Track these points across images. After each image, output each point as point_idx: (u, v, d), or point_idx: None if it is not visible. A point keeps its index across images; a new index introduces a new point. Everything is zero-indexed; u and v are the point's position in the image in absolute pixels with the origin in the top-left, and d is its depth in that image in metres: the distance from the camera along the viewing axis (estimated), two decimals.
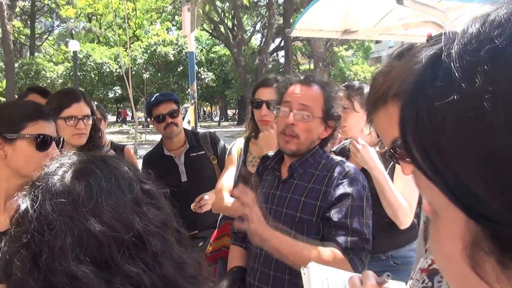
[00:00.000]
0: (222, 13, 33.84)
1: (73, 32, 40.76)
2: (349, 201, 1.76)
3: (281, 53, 37.73)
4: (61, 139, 1.83)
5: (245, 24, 37.37)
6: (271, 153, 2.19)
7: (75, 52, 20.98)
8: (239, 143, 2.74)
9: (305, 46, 36.60)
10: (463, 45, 0.38)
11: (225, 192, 2.53)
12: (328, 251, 1.68)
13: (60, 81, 30.33)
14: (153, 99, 3.22)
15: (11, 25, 21.81)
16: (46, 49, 41.79)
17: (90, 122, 2.41)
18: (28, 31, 35.96)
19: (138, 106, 35.53)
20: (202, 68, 34.57)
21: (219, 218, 2.80)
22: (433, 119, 0.38)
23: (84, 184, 0.81)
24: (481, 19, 0.38)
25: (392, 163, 2.26)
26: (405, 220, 2.22)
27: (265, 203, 1.94)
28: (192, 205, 2.92)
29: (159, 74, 31.29)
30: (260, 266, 1.89)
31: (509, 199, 0.34)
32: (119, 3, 20.74)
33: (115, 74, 31.27)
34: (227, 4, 33.99)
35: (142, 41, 33.77)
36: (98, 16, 37.63)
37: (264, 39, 33.40)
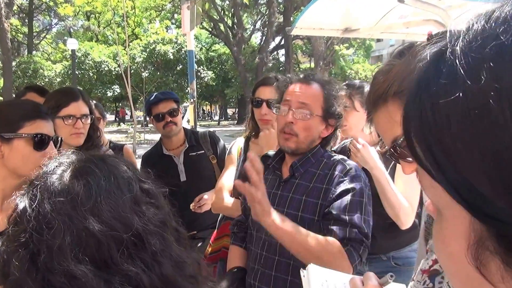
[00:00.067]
0: (222, 11, 33.84)
1: (71, 30, 40.81)
2: (349, 197, 1.76)
3: (282, 51, 37.73)
4: (59, 138, 1.83)
5: (245, 22, 37.36)
6: (271, 152, 2.19)
7: (73, 51, 20.96)
8: (239, 142, 2.73)
9: (306, 44, 36.59)
10: (468, 42, 0.38)
11: (225, 192, 2.53)
12: (327, 240, 1.68)
13: (58, 79, 30.34)
14: (152, 97, 3.22)
15: (8, 23, 21.80)
16: (44, 48, 41.78)
17: (89, 121, 2.40)
18: (25, 29, 35.96)
19: (137, 105, 35.52)
20: (201, 67, 34.56)
21: (219, 219, 2.79)
22: (437, 117, 0.38)
23: (83, 183, 0.81)
24: (485, 16, 0.38)
25: (393, 162, 2.26)
26: (406, 221, 2.22)
27: None
28: (191, 205, 2.92)
29: (158, 73, 31.29)
30: (261, 266, 1.88)
31: None
32: (118, 1, 20.73)
33: (113, 73, 31.26)
34: (227, 2, 34.03)
35: (141, 40, 33.79)
36: (97, 14, 37.65)
37: (264, 38, 33.40)
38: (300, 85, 1.93)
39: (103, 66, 31.05)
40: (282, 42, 34.58)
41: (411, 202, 2.22)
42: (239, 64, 29.58)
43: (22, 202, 0.80)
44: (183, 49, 30.44)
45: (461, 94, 0.36)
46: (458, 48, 0.38)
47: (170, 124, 3.09)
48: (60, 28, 43.11)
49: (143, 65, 30.64)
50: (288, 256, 1.81)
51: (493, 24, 0.37)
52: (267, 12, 31.04)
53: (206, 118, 56.69)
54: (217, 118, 52.96)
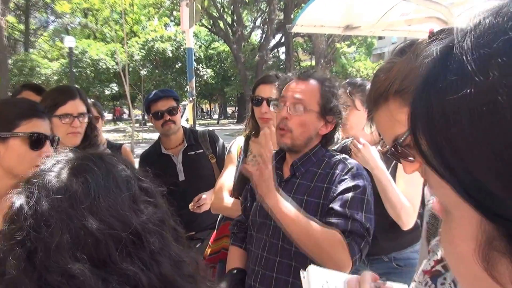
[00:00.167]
0: (222, 9, 33.83)
1: (69, 27, 40.75)
2: (351, 194, 1.76)
3: (282, 49, 37.80)
4: (56, 137, 1.83)
5: (245, 19, 37.32)
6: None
7: (70, 48, 20.92)
8: (239, 141, 2.73)
9: (306, 42, 36.58)
10: (476, 38, 0.37)
11: (225, 191, 2.53)
12: (329, 229, 1.68)
13: (55, 78, 30.37)
14: (152, 95, 3.22)
15: (5, 21, 21.79)
16: (41, 45, 41.77)
17: (86, 120, 2.40)
18: (22, 26, 35.96)
19: (135, 104, 35.56)
20: (200, 65, 34.60)
21: (218, 219, 2.79)
22: (445, 114, 0.37)
23: (81, 181, 0.81)
24: (494, 12, 0.38)
25: (394, 162, 2.26)
26: (408, 221, 2.22)
27: None
28: (190, 205, 2.91)
29: (157, 71, 31.30)
30: (262, 268, 1.88)
31: None
32: None
33: (111, 71, 31.27)
34: None
35: (139, 37, 33.76)
36: (94, 11, 37.58)
37: (264, 35, 33.37)
38: (297, 81, 1.94)
39: (100, 64, 31.05)
40: (283, 40, 34.59)
41: (412, 202, 2.22)
42: (238, 62, 29.56)
43: (19, 200, 0.80)
44: (182, 47, 30.48)
45: (469, 91, 0.35)
46: (466, 44, 0.38)
47: (168, 122, 3.09)
48: (57, 26, 43.10)
49: (141, 63, 30.66)
50: (289, 257, 1.81)
51: (501, 20, 0.37)
52: (267, 9, 31.04)
53: (206, 117, 56.67)
54: (216, 116, 52.93)
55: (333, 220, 1.72)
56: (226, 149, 3.00)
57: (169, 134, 3.16)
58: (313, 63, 31.16)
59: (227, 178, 2.60)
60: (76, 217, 0.76)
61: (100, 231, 0.76)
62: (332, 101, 1.90)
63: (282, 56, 38.81)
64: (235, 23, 33.30)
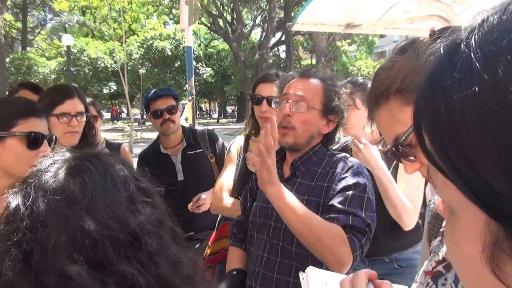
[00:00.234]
0: (221, 6, 33.82)
1: (67, 26, 40.73)
2: (351, 192, 1.76)
3: (282, 47, 37.78)
4: (53, 137, 1.83)
5: (245, 17, 37.33)
6: None
7: (68, 47, 20.92)
8: (239, 141, 2.73)
9: (307, 40, 36.57)
10: (483, 35, 0.37)
11: (225, 191, 2.53)
12: (330, 223, 1.67)
13: (52, 76, 30.38)
14: (151, 93, 3.23)
15: (2, 19, 21.78)
16: (39, 44, 41.79)
17: (84, 119, 2.40)
18: (19, 24, 35.94)
19: (134, 103, 35.55)
20: (200, 64, 34.59)
21: (218, 219, 2.79)
22: (451, 112, 0.37)
23: (78, 181, 0.81)
24: (501, 8, 0.37)
25: (395, 162, 2.26)
26: (409, 221, 2.22)
27: (267, 203, 1.94)
28: (189, 205, 2.92)
29: (156, 70, 31.32)
30: (262, 269, 1.87)
31: None
32: None
33: (110, 70, 31.30)
34: None
35: (138, 36, 33.80)
36: (93, 9, 37.55)
37: (264, 33, 33.39)
38: (299, 79, 1.94)
39: (99, 62, 31.08)
40: (283, 38, 34.55)
41: (414, 202, 2.22)
42: (238, 61, 29.57)
43: (15, 200, 0.80)
44: (181, 45, 30.50)
45: (477, 88, 0.35)
46: (473, 41, 0.37)
47: (167, 121, 3.09)
48: (55, 24, 43.09)
49: (140, 61, 30.67)
50: (290, 258, 1.80)
51: (510, 16, 0.36)
52: (267, 7, 31.04)
53: (205, 116, 56.65)
54: (216, 116, 52.93)
55: (334, 215, 1.71)
56: (226, 148, 3.00)
57: (167, 133, 3.16)
58: (314, 61, 31.16)
59: (226, 178, 2.59)
60: (73, 218, 0.76)
61: (97, 232, 0.75)
62: (335, 100, 1.90)
63: (282, 55, 38.80)
64: (235, 21, 33.31)
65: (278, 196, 1.66)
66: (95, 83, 32.32)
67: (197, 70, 32.34)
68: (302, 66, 31.78)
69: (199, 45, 39.42)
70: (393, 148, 1.03)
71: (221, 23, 31.89)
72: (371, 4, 4.14)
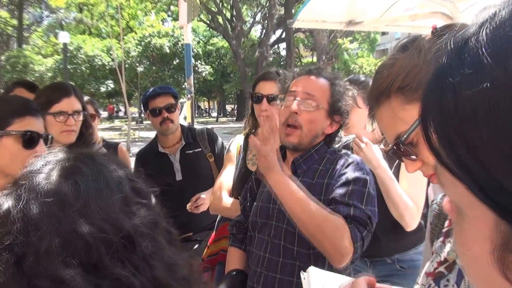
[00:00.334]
0: (220, 3, 33.80)
1: (63, 23, 40.75)
2: (351, 187, 1.76)
3: (283, 45, 37.74)
4: (49, 136, 1.83)
5: (245, 14, 37.32)
6: None
7: (65, 44, 20.92)
8: (239, 140, 2.73)
9: (308, 38, 36.56)
10: (494, 29, 0.36)
11: (224, 191, 2.53)
12: (332, 212, 1.67)
13: (49, 74, 30.34)
14: (150, 91, 3.23)
15: None
16: (35, 41, 41.79)
17: (81, 118, 2.40)
18: (15, 21, 35.91)
19: (132, 101, 35.52)
20: (199, 61, 34.58)
21: (217, 220, 2.79)
22: (461, 110, 0.36)
23: (71, 183, 0.80)
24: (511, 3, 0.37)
25: (397, 161, 2.26)
26: (411, 222, 2.22)
27: (268, 203, 1.94)
28: (188, 205, 2.92)
29: (154, 68, 31.30)
30: (264, 269, 1.87)
31: None
32: None
33: (107, 68, 31.25)
34: None
35: (136, 33, 33.75)
36: (90, 6, 37.44)
37: (264, 31, 33.37)
38: (308, 76, 1.94)
39: (96, 60, 31.04)
40: (283, 36, 34.56)
41: (416, 202, 2.22)
42: (238, 59, 29.57)
43: (6, 203, 0.79)
44: (179, 43, 30.46)
45: (488, 85, 0.34)
46: (482, 36, 0.37)
47: (166, 121, 3.09)
48: (51, 21, 43.12)
49: (138, 59, 30.63)
50: (292, 257, 1.81)
51: None
52: (267, 4, 31.03)
53: (204, 115, 56.66)
54: (215, 114, 52.94)
55: (335, 206, 1.71)
56: (225, 148, 3.01)
57: (167, 134, 3.16)
58: (315, 59, 31.17)
59: (226, 178, 2.60)
60: (66, 220, 0.76)
61: (91, 235, 0.75)
62: (341, 101, 1.91)
63: (283, 52, 38.81)
64: (234, 18, 33.29)
65: (278, 183, 1.65)
66: (92, 81, 32.26)
67: (196, 68, 32.33)
68: (303, 64, 31.81)
69: (198, 42, 39.43)
70: (394, 147, 1.03)
71: (220, 20, 31.86)
72: (373, 1, 4.14)
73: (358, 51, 37.65)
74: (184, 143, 3.20)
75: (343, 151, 1.98)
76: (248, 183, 2.20)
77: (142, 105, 3.40)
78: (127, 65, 25.52)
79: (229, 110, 57.33)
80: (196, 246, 3.08)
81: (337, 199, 1.74)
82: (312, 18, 4.52)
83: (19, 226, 0.75)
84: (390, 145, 1.06)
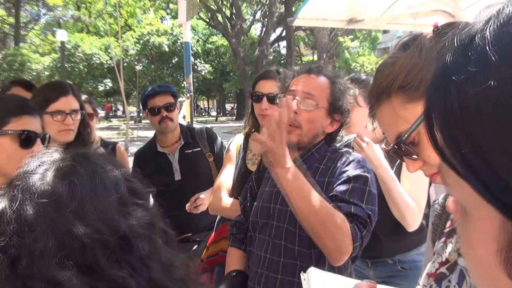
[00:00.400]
0: (220, 1, 33.78)
1: (61, 21, 40.67)
2: (351, 184, 1.76)
3: (283, 43, 37.76)
4: (47, 135, 1.83)
5: (244, 12, 37.31)
6: None
7: (62, 43, 20.94)
8: (238, 139, 2.73)
9: (308, 36, 36.57)
10: (500, 26, 0.36)
11: (223, 191, 2.53)
12: (335, 210, 1.66)
13: (46, 73, 30.31)
14: (149, 89, 3.23)
15: None
16: (32, 39, 41.77)
17: (79, 117, 2.40)
18: (12, 20, 35.89)
19: (130, 100, 35.53)
20: (198, 60, 34.56)
21: (217, 220, 2.79)
22: (466, 108, 0.36)
23: (66, 184, 0.80)
24: None
25: (398, 161, 2.26)
26: (413, 222, 2.22)
27: (269, 203, 1.94)
28: (187, 205, 2.92)
29: (153, 66, 31.26)
30: (265, 270, 1.87)
31: None
32: None
33: (105, 66, 31.23)
34: None
35: (134, 31, 33.76)
36: (88, 4, 37.57)
37: (264, 29, 33.35)
38: (307, 75, 1.94)
39: (94, 59, 31.00)
40: (284, 34, 34.59)
41: (418, 202, 2.22)
42: (238, 57, 29.57)
43: (1, 204, 0.79)
44: (178, 41, 30.44)
45: (493, 83, 0.34)
46: (488, 32, 0.36)
47: (165, 119, 3.09)
48: (48, 19, 43.03)
49: (136, 57, 30.61)
50: (294, 257, 1.81)
51: None
52: (267, 2, 31.02)
53: (203, 114, 56.66)
54: (214, 113, 52.93)
55: (335, 203, 1.71)
56: (225, 147, 3.01)
57: (166, 132, 3.16)
58: (315, 58, 31.16)
59: (225, 178, 2.60)
60: (61, 221, 0.76)
61: (87, 236, 0.75)
62: (341, 100, 1.91)
63: (283, 51, 38.82)
64: (234, 16, 33.29)
65: (284, 177, 1.63)
66: (90, 80, 32.24)
67: (195, 67, 32.32)
68: (303, 62, 31.81)
69: (197, 41, 39.46)
70: (395, 146, 1.03)
71: (220, 18, 31.85)
72: None
73: (359, 49, 37.66)
74: (183, 142, 3.20)
75: (344, 149, 1.99)
76: (248, 182, 2.20)
77: (140, 104, 3.40)
78: (125, 64, 25.50)
79: (228, 109, 57.34)
80: (195, 247, 3.08)
81: (337, 196, 1.74)
82: (312, 16, 4.52)
83: (13, 227, 0.75)
84: (391, 145, 1.06)
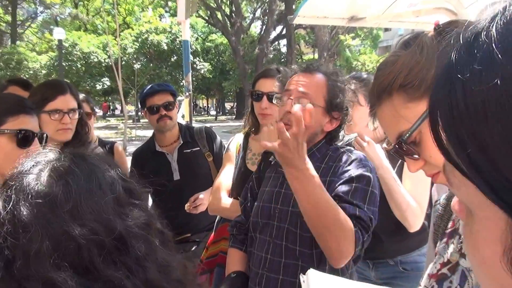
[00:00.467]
0: None
1: (58, 19, 40.72)
2: (354, 185, 1.76)
3: (283, 41, 37.78)
4: (44, 135, 1.83)
5: (244, 10, 37.29)
6: None
7: (60, 41, 20.92)
8: (238, 139, 2.73)
9: (309, 34, 36.55)
10: (505, 24, 0.36)
11: (223, 191, 2.53)
12: (344, 214, 1.65)
13: (43, 72, 30.33)
14: (148, 88, 3.23)
15: None
16: (29, 38, 41.77)
17: (77, 116, 2.40)
18: (9, 17, 35.89)
19: (128, 99, 35.53)
20: (197, 58, 34.59)
21: (216, 221, 2.79)
22: (471, 107, 0.36)
23: (62, 184, 0.80)
24: None
25: (400, 161, 2.26)
26: (414, 222, 2.22)
27: (269, 203, 1.94)
28: (186, 206, 2.91)
29: (151, 65, 31.29)
30: (266, 271, 1.87)
31: None
32: None
33: (103, 65, 31.27)
34: None
35: (132, 29, 33.79)
36: (85, 2, 37.57)
37: (264, 27, 33.37)
38: (303, 74, 1.93)
39: (92, 57, 31.02)
40: (284, 32, 34.55)
41: (419, 202, 2.21)
42: (237, 55, 29.55)
43: None
44: (177, 39, 30.46)
45: (499, 81, 0.34)
46: (494, 30, 0.36)
47: (164, 118, 3.09)
48: (46, 17, 43.07)
49: (135, 56, 30.65)
50: (295, 258, 1.80)
51: None
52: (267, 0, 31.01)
53: (202, 113, 56.66)
54: (214, 113, 52.91)
55: (339, 204, 1.69)
56: (224, 147, 3.01)
57: (164, 131, 3.16)
58: (316, 56, 31.16)
59: (225, 178, 2.60)
60: (57, 222, 0.76)
61: (83, 236, 0.75)
62: (339, 97, 1.90)
63: (283, 49, 38.82)
64: (233, 14, 33.28)
65: (297, 178, 1.62)
66: (88, 79, 32.27)
67: (194, 65, 32.34)
68: (304, 61, 31.80)
69: (197, 39, 39.41)
70: (396, 146, 1.03)
71: (219, 16, 31.84)
72: None
73: (360, 47, 37.59)
74: (182, 142, 3.20)
75: (346, 147, 1.98)
76: (249, 182, 2.19)
77: (139, 103, 3.40)
78: (123, 62, 25.53)
79: (228, 108, 57.32)
80: (194, 248, 3.08)
81: (341, 197, 1.73)
82: (313, 14, 4.51)
83: (8, 228, 0.75)
84: (392, 144, 1.06)
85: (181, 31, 7.52)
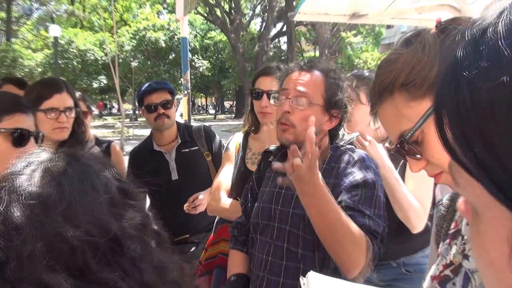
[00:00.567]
0: None
1: (54, 15, 40.67)
2: (360, 190, 1.75)
3: (283, 39, 37.71)
4: (40, 134, 1.83)
5: (244, 7, 37.28)
6: (273, 147, 2.18)
7: (56, 38, 20.92)
8: (237, 138, 2.73)
9: (310, 31, 36.55)
10: None
11: (222, 192, 2.53)
12: (358, 229, 1.64)
13: (39, 69, 30.31)
14: (146, 86, 3.23)
15: None
16: (24, 35, 41.74)
17: (73, 114, 2.40)
18: (3, 14, 35.88)
19: (126, 98, 35.53)
20: (196, 56, 34.61)
21: (215, 221, 2.79)
22: (478, 105, 0.36)
23: (54, 184, 0.80)
24: None
25: (402, 160, 2.26)
26: (417, 223, 2.21)
27: (270, 203, 1.94)
28: (185, 206, 2.91)
29: (149, 62, 31.30)
30: (267, 273, 1.86)
31: None
32: None
33: (100, 62, 31.24)
34: None
35: (130, 26, 33.75)
36: None
37: (264, 24, 33.34)
38: (300, 72, 1.91)
39: (88, 54, 31.01)
40: (284, 29, 34.53)
41: (423, 203, 2.21)
42: (237, 53, 29.54)
43: None
44: (176, 37, 30.47)
45: (506, 79, 0.34)
46: (501, 26, 0.36)
47: (162, 116, 3.09)
48: (41, 13, 43.04)
49: (132, 53, 30.65)
50: (296, 260, 1.80)
51: None
52: None
53: (201, 112, 56.64)
54: (213, 111, 52.92)
55: (349, 213, 1.68)
56: (223, 146, 3.01)
57: (162, 130, 3.16)
58: (317, 54, 31.17)
59: (224, 177, 2.59)
60: (50, 223, 0.75)
61: (76, 238, 0.75)
62: (338, 94, 1.88)
63: (284, 47, 38.81)
64: (233, 11, 33.25)
65: (307, 194, 1.61)
66: (84, 77, 32.24)
67: (193, 63, 32.37)
68: (305, 58, 31.75)
69: (195, 36, 39.39)
70: (398, 146, 1.03)
71: (218, 12, 31.80)
72: None
73: (362, 45, 37.58)
74: (180, 141, 3.19)
75: (346, 146, 1.97)
76: (249, 183, 2.19)
77: (136, 101, 3.40)
78: (120, 60, 25.52)
79: (227, 107, 57.31)
80: (193, 249, 3.08)
81: (350, 206, 1.72)
82: (314, 10, 4.51)
83: (1, 229, 0.75)
84: (394, 144, 1.06)
85: (179, 28, 7.52)
